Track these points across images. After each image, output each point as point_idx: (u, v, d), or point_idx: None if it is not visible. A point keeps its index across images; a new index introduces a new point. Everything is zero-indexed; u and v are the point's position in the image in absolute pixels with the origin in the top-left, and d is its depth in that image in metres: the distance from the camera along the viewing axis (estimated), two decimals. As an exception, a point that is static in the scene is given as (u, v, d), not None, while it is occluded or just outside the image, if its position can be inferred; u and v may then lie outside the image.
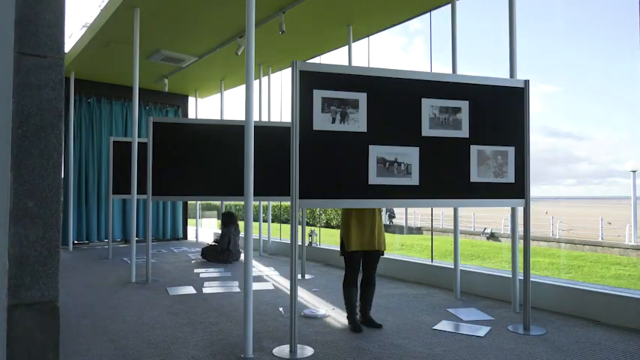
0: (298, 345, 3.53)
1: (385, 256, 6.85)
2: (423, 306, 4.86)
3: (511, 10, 4.73)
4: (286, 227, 10.02)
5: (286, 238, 9.40)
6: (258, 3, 4.60)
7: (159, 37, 7.43)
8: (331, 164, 3.57)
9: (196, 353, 3.42)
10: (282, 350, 3.48)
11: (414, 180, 3.76)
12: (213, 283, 6.08)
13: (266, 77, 9.23)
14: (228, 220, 8.26)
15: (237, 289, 5.65)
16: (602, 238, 16.40)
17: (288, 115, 6.34)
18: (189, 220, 12.10)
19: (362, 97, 3.63)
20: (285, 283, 6.08)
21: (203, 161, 6.20)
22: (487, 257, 13.26)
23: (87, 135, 10.23)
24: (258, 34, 5.75)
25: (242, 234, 7.93)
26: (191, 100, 11.68)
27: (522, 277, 4.15)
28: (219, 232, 8.56)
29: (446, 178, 3.89)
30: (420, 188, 3.78)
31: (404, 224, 21.84)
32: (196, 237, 11.40)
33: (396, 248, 15.47)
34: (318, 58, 8.28)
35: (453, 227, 5.47)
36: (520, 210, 4.29)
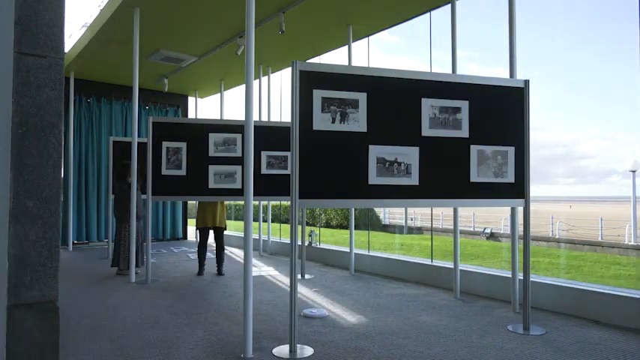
0: (298, 345, 3.53)
1: (385, 256, 6.91)
2: (423, 306, 4.86)
3: (511, 10, 4.73)
4: (286, 227, 10.01)
5: (286, 238, 9.40)
6: (258, 3, 4.61)
7: (159, 37, 7.43)
8: (331, 164, 3.57)
9: (196, 353, 3.42)
10: (282, 350, 3.48)
11: (414, 180, 3.76)
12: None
13: (266, 77, 9.23)
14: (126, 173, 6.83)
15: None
16: (601, 238, 16.40)
17: (288, 115, 6.34)
18: (189, 220, 12.08)
19: (362, 97, 3.63)
20: (285, 283, 6.08)
21: (203, 161, 6.20)
22: (487, 257, 13.26)
23: (87, 135, 10.23)
24: (258, 34, 5.76)
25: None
26: (191, 100, 11.69)
27: (522, 277, 4.15)
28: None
29: (446, 178, 3.89)
30: (420, 188, 3.78)
31: (404, 224, 21.83)
32: (196, 237, 11.37)
33: (395, 248, 15.47)
34: (318, 58, 8.28)
35: (452, 227, 5.47)
36: (520, 210, 4.29)
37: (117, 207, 6.80)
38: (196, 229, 6.85)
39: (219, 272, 6.72)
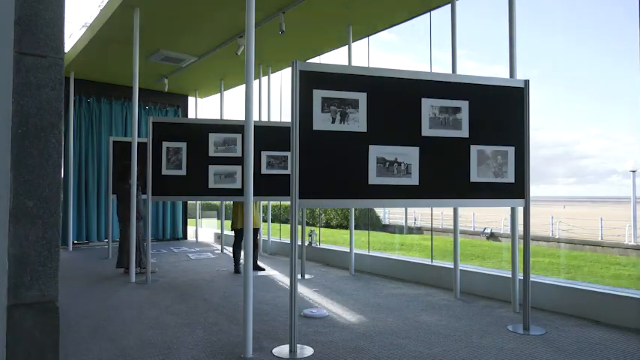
0: (298, 345, 3.53)
1: (385, 256, 6.91)
2: (423, 306, 4.86)
3: (511, 9, 4.73)
4: (286, 227, 10.01)
5: (286, 238, 9.40)
6: (258, 3, 4.60)
7: (159, 37, 7.43)
8: (331, 164, 3.57)
9: (196, 353, 3.42)
10: (282, 350, 3.48)
11: (414, 180, 3.76)
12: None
13: (266, 77, 9.23)
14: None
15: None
16: (601, 238, 16.39)
17: (288, 115, 6.34)
18: (189, 220, 12.10)
19: (362, 97, 3.63)
20: (285, 283, 6.08)
21: (203, 161, 6.20)
22: (487, 257, 13.26)
23: (87, 135, 10.23)
24: (258, 34, 5.75)
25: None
26: (191, 100, 11.68)
27: (522, 277, 4.15)
28: (219, 231, 8.53)
29: (446, 178, 3.89)
30: (420, 188, 3.78)
31: (404, 224, 21.83)
32: (196, 237, 11.40)
33: (395, 248, 15.47)
34: (318, 58, 8.28)
35: (452, 227, 5.47)
36: (520, 210, 4.29)
37: (119, 207, 6.83)
38: (232, 229, 7.02)
39: (256, 266, 6.91)
